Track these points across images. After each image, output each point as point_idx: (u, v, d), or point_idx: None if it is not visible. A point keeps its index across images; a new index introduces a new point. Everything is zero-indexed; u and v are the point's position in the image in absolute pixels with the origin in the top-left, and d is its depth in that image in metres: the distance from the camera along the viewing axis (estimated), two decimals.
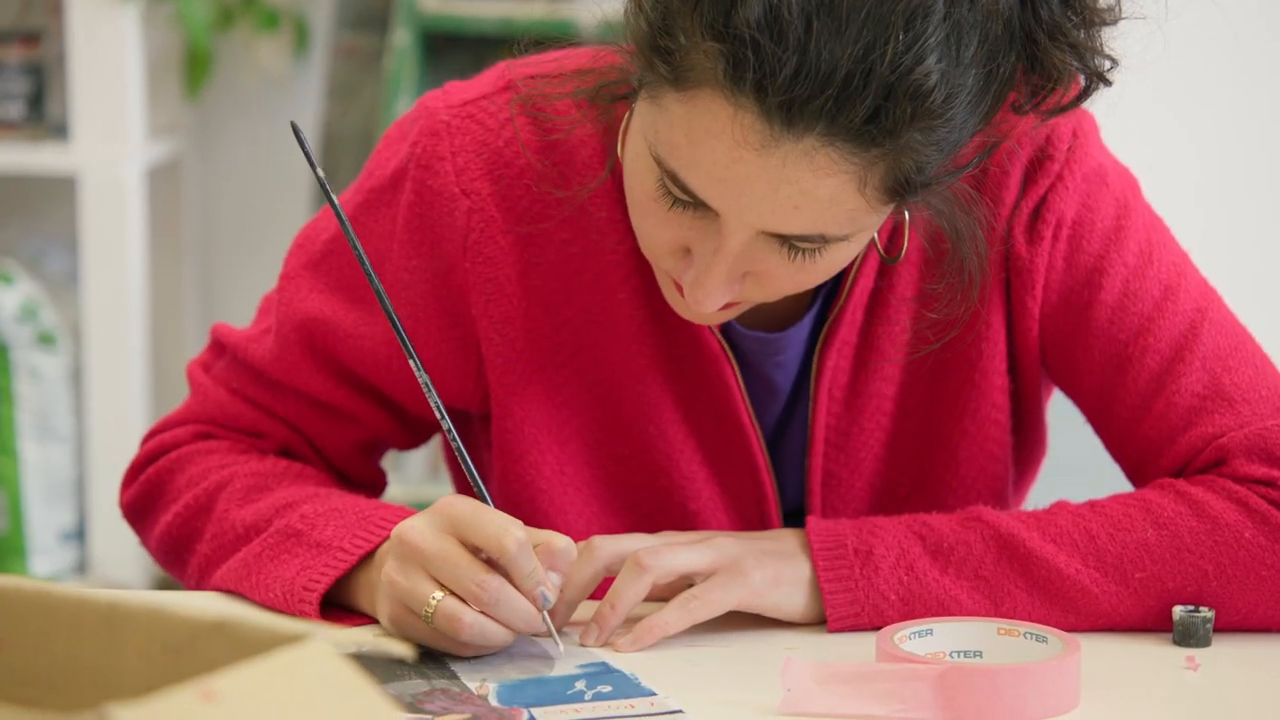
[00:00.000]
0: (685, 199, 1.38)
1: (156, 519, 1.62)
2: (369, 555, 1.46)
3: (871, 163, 1.33)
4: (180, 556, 1.60)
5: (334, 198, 1.47)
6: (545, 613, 1.40)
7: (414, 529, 1.40)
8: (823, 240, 1.38)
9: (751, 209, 1.35)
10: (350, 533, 1.47)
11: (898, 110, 1.30)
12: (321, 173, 1.45)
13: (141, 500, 1.64)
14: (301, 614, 1.45)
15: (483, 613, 1.38)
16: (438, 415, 1.46)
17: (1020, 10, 1.35)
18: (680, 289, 1.45)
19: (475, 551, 1.39)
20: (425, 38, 3.47)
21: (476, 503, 1.41)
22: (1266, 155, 3.38)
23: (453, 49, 3.47)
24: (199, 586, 1.58)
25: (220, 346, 1.65)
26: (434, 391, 1.46)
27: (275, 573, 1.49)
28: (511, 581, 1.39)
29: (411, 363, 1.46)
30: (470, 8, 3.45)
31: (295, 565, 1.48)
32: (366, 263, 1.46)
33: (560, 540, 1.41)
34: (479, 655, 1.42)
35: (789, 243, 1.38)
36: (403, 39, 3.43)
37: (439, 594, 1.38)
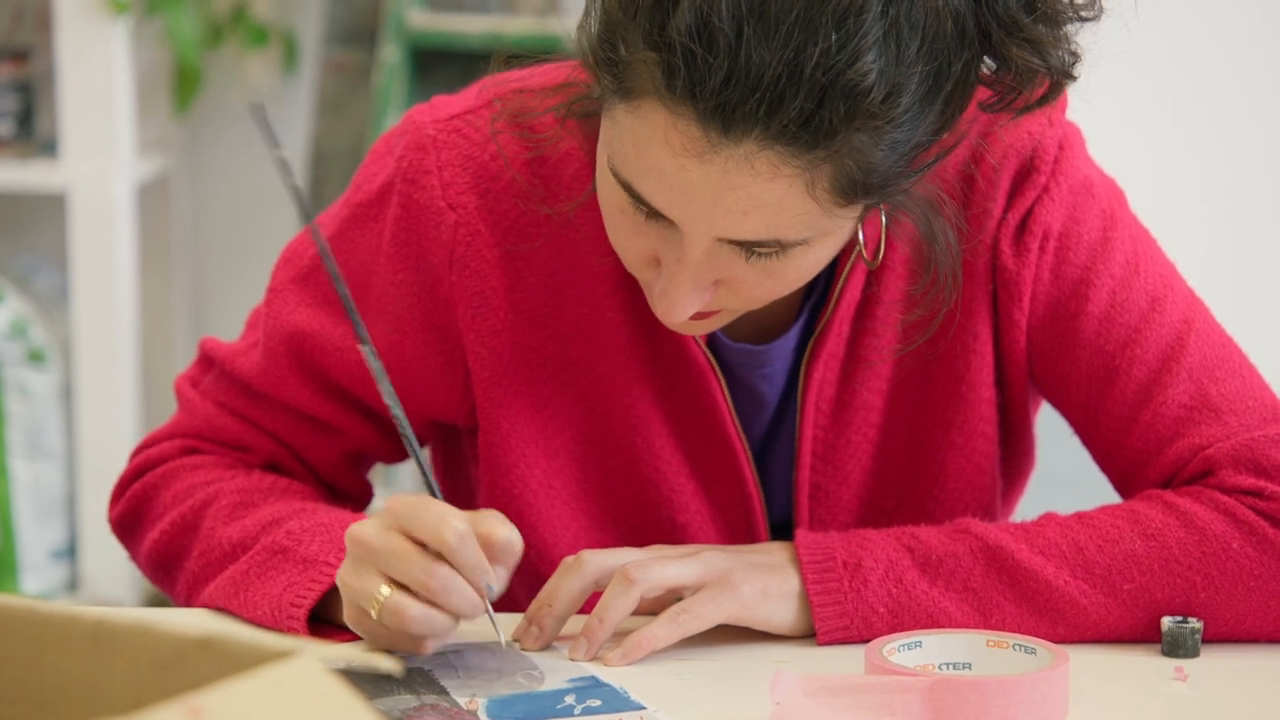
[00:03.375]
0: (644, 209, 1.39)
1: (144, 534, 1.62)
2: None
3: (815, 164, 1.33)
4: (169, 573, 1.60)
5: (299, 185, 1.45)
6: (488, 602, 1.39)
7: (363, 528, 1.40)
8: (779, 245, 1.38)
9: (701, 216, 1.36)
10: (335, 548, 1.47)
11: (832, 110, 1.30)
12: (283, 153, 1.42)
13: (129, 516, 1.64)
14: (290, 630, 1.45)
15: (430, 604, 1.38)
16: (400, 430, 1.45)
17: (974, 6, 1.35)
18: None
19: (424, 546, 1.39)
20: (414, 53, 3.47)
21: (421, 496, 1.41)
22: (1266, 160, 3.39)
23: (441, 64, 3.47)
24: (188, 603, 1.58)
25: (208, 361, 1.65)
26: (406, 422, 1.45)
27: (264, 589, 1.49)
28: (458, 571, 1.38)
29: (381, 387, 1.45)
30: (458, 23, 3.46)
31: (282, 581, 1.48)
32: (333, 263, 1.43)
33: (501, 532, 1.39)
34: (430, 651, 1.41)
35: (749, 249, 1.38)
36: (391, 55, 3.43)
37: (385, 589, 1.38)
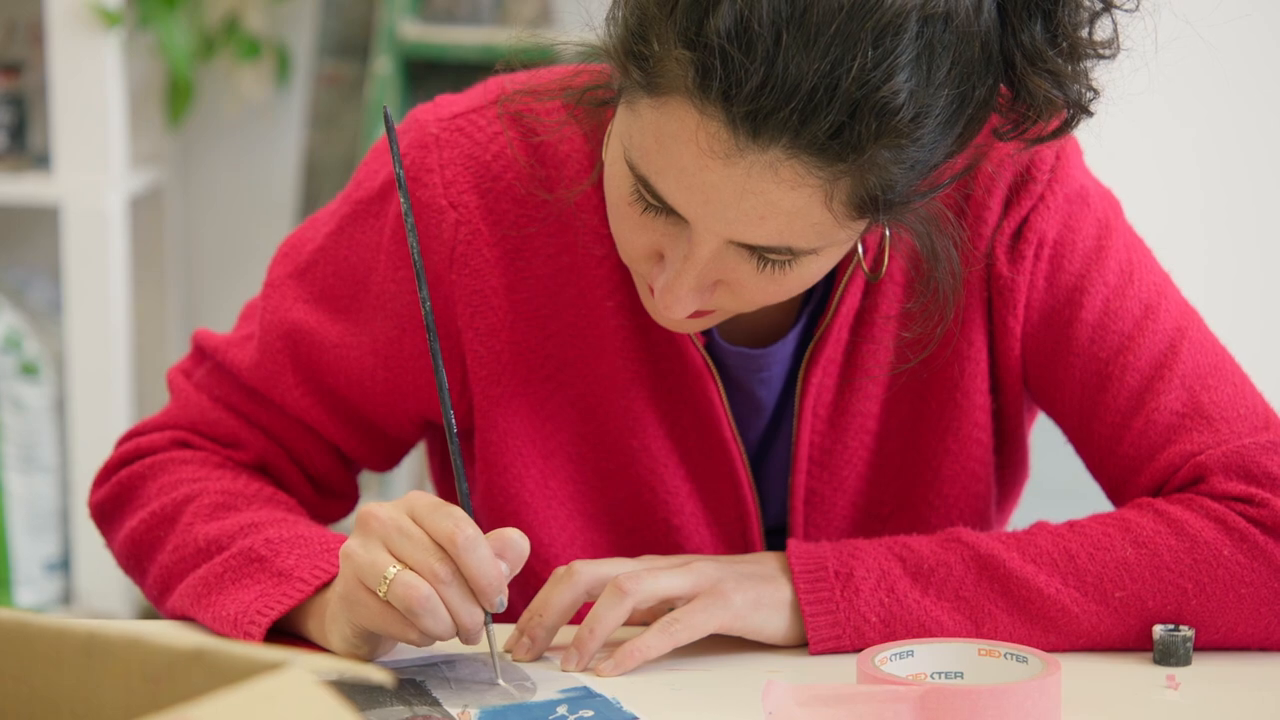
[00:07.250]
0: (657, 205, 1.39)
1: (123, 522, 1.61)
2: (326, 585, 1.46)
3: (837, 177, 1.34)
4: (141, 563, 1.60)
5: (408, 199, 1.46)
6: (489, 617, 1.39)
7: (378, 507, 1.40)
8: (790, 252, 1.39)
9: (717, 217, 1.36)
10: (312, 563, 1.47)
11: (863, 126, 1.31)
12: (402, 170, 1.45)
13: (110, 502, 1.63)
14: (247, 638, 1.45)
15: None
16: (445, 419, 1.44)
17: (1001, 33, 1.36)
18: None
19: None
20: (406, 65, 3.48)
21: (440, 499, 1.41)
22: (1269, 169, 3.38)
23: (434, 76, 3.48)
24: (159, 597, 1.57)
25: (201, 352, 1.65)
26: (449, 402, 1.45)
27: (235, 595, 1.48)
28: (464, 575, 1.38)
29: (436, 375, 1.45)
30: (451, 35, 3.46)
31: (255, 590, 1.48)
32: (422, 277, 1.45)
33: (511, 529, 1.40)
34: (424, 650, 1.41)
35: (758, 253, 1.39)
36: (384, 67, 3.44)
37: (395, 567, 1.38)
